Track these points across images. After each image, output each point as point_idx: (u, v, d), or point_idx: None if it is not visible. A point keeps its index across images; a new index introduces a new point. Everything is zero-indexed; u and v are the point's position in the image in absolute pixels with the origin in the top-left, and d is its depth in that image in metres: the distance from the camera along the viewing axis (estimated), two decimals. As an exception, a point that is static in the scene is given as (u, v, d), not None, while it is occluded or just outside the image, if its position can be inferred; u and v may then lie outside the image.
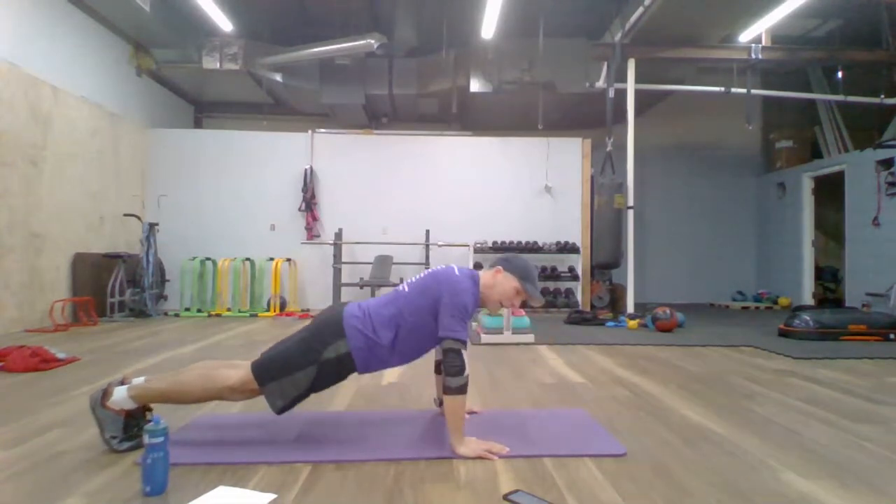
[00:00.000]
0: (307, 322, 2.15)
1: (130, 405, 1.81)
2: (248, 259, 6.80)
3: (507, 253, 2.16)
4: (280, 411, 1.85)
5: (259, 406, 1.98)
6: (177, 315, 6.17)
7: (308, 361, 1.84)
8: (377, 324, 1.90)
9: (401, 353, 1.94)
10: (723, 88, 6.50)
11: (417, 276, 2.04)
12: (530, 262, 2.09)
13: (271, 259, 6.78)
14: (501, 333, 4.38)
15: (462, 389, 1.81)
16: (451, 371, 1.81)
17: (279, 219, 7.15)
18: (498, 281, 2.02)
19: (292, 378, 1.83)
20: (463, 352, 1.83)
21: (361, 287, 6.46)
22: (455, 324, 1.85)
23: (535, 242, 7.04)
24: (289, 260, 6.91)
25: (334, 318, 1.91)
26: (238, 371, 1.86)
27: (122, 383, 1.86)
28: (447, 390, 1.82)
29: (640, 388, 2.85)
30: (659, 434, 2.09)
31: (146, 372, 2.95)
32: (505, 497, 1.49)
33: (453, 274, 1.96)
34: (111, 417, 1.79)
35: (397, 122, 8.56)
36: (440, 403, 2.25)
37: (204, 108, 8.57)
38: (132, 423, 1.81)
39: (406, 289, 1.99)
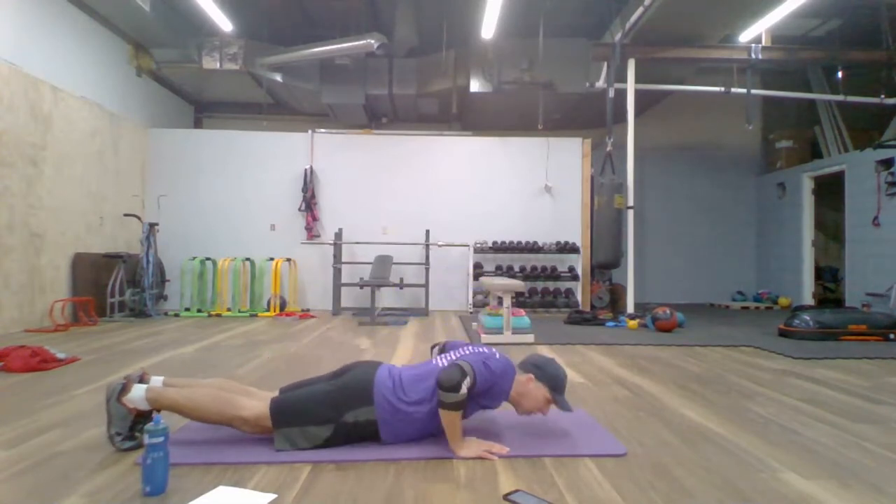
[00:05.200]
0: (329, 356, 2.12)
1: (144, 406, 1.83)
2: (248, 259, 6.80)
3: (536, 356, 2.10)
4: None
5: (259, 406, 1.97)
6: (177, 315, 6.17)
7: (327, 419, 1.82)
8: (410, 396, 1.87)
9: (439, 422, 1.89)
10: (723, 88, 6.49)
11: (457, 353, 2.01)
12: (561, 368, 2.02)
13: (271, 259, 6.78)
14: (501, 333, 4.39)
15: (458, 406, 1.76)
16: (448, 384, 1.74)
17: (279, 219, 7.15)
18: (530, 390, 1.97)
19: (307, 430, 1.81)
20: (468, 379, 1.77)
21: (361, 287, 6.45)
22: (477, 364, 1.83)
23: (535, 242, 7.03)
24: (289, 260, 6.91)
25: (365, 383, 1.88)
26: (256, 403, 1.84)
27: (141, 379, 1.87)
28: (442, 405, 1.77)
29: (640, 388, 2.85)
30: (659, 434, 2.09)
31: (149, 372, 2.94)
32: (505, 497, 1.49)
33: (495, 354, 1.96)
34: (122, 414, 1.80)
35: (397, 122, 8.56)
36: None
37: (204, 108, 8.57)
38: (139, 423, 1.83)
39: (444, 364, 1.95)
